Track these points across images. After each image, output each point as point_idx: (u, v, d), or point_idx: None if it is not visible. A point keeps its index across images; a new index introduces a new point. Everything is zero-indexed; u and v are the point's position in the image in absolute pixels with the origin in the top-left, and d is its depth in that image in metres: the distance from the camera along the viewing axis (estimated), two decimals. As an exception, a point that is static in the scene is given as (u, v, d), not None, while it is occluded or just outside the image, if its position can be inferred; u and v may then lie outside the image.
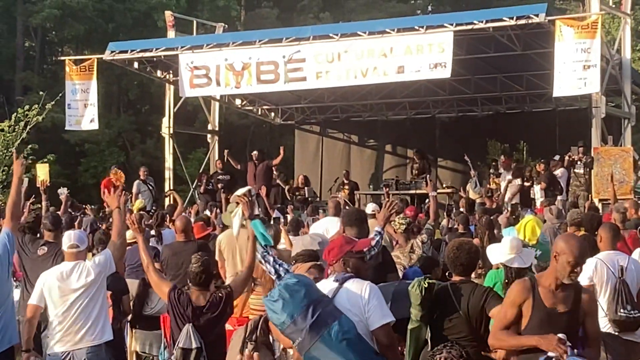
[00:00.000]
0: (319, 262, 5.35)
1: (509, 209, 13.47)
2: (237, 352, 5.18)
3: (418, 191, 18.72)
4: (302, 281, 4.89)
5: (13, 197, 6.47)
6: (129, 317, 8.39)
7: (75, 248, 6.33)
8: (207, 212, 14.53)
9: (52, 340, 6.25)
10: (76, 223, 11.83)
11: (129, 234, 7.20)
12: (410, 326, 5.46)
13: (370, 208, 10.88)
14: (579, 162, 16.65)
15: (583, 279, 6.40)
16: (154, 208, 16.78)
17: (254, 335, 5.27)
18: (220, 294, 5.97)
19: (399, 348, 5.65)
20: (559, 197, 16.15)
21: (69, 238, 6.40)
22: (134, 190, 17.87)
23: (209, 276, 6.19)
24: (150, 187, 18.22)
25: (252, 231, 5.98)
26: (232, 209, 7.32)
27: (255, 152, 19.01)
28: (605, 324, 6.36)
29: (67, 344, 6.21)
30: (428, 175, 18.36)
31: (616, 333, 6.46)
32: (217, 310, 5.92)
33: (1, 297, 6.18)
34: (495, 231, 9.81)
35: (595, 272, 6.53)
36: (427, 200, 18.39)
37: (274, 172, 19.26)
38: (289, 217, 13.28)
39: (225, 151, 19.49)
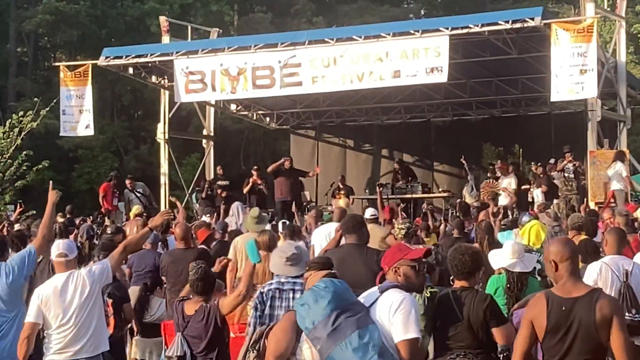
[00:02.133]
0: (333, 271, 5.24)
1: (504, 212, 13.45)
2: (240, 362, 5.11)
3: (414, 195, 18.71)
4: (330, 287, 4.73)
5: (46, 221, 7.06)
6: (130, 325, 8.34)
7: (63, 257, 6.23)
8: (206, 218, 14.50)
9: (49, 351, 6.18)
10: (72, 235, 11.75)
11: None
12: None
13: (369, 212, 10.85)
14: (569, 166, 16.57)
15: (588, 283, 6.40)
16: (144, 214, 16.77)
17: (257, 344, 5.17)
18: (206, 306, 6.10)
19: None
20: (555, 201, 16.15)
21: (57, 247, 6.31)
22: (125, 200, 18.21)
23: (208, 284, 6.27)
24: (138, 195, 18.28)
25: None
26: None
27: (287, 161, 18.42)
28: (609, 328, 6.34)
29: (64, 354, 6.14)
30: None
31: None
32: (202, 321, 6.05)
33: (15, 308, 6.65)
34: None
35: (599, 275, 6.52)
36: (422, 205, 18.47)
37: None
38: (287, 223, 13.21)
39: (255, 168, 19.56)
